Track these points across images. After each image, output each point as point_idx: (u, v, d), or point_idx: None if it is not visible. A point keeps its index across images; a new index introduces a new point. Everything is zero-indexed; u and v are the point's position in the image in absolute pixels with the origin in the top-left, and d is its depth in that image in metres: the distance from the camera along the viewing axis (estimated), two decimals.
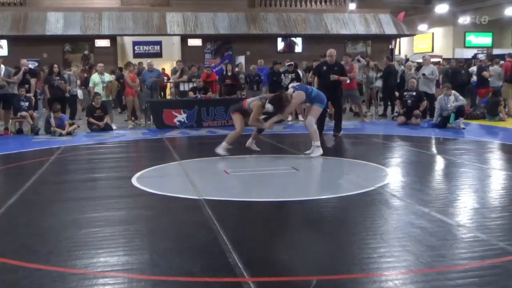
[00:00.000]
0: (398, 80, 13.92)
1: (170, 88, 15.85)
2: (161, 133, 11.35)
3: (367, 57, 16.81)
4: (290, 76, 13.19)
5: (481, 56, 18.57)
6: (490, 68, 14.57)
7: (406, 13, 27.51)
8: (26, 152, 9.15)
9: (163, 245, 3.94)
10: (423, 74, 12.89)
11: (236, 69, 15.76)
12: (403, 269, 3.37)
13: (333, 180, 6.32)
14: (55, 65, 12.63)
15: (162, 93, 15.66)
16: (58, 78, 12.36)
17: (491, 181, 6.32)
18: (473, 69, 15.04)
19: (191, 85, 13.72)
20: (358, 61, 14.87)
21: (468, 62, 18.70)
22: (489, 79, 13.97)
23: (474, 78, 14.57)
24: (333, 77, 9.88)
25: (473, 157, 7.89)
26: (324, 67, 10.18)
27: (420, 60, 15.59)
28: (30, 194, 5.76)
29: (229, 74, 14.86)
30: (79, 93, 14.33)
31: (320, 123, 9.74)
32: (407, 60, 19.84)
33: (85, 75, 15.24)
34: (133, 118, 13.18)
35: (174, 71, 15.22)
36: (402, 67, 14.87)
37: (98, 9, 21.10)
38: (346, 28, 22.59)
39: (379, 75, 14.35)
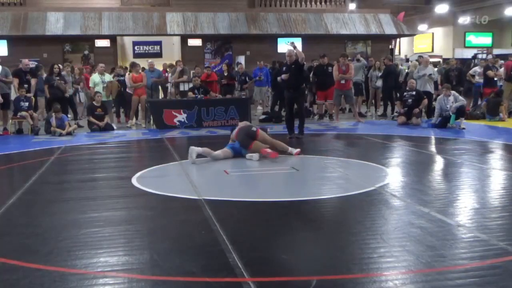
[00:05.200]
0: (402, 80, 13.93)
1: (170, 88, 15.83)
2: (161, 133, 11.35)
3: (370, 57, 16.80)
4: None
5: (489, 56, 18.52)
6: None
7: (406, 13, 27.51)
8: (26, 152, 9.14)
9: (163, 245, 3.94)
10: (430, 74, 12.86)
11: (236, 69, 15.79)
12: (403, 269, 3.37)
13: (333, 180, 6.32)
14: (56, 65, 12.62)
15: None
16: (58, 78, 12.36)
17: (491, 181, 6.32)
18: (476, 69, 15.02)
19: (191, 85, 13.73)
20: (358, 60, 14.87)
21: (467, 62, 18.72)
22: (495, 79, 13.98)
23: (477, 78, 14.58)
24: (285, 76, 9.83)
25: (473, 157, 7.90)
26: (284, 68, 10.12)
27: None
28: (30, 194, 5.76)
29: (225, 74, 14.94)
30: (82, 95, 14.32)
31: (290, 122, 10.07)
32: (407, 60, 19.84)
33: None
34: (135, 119, 13.18)
35: (173, 72, 15.23)
36: (405, 67, 14.88)
37: (98, 9, 21.10)
38: (346, 28, 22.59)
39: (379, 74, 14.36)
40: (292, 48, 9.79)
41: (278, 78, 10.26)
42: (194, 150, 7.42)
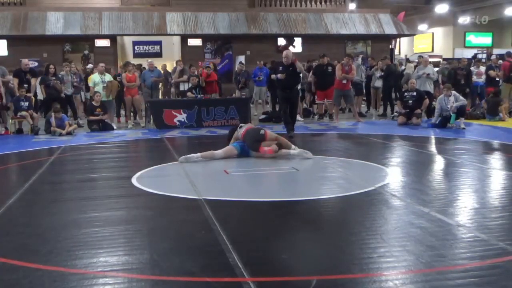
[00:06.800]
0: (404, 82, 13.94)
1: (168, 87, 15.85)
2: (161, 133, 11.35)
3: (370, 58, 16.80)
4: None
5: (492, 57, 18.54)
6: None
7: (406, 13, 27.52)
8: (26, 152, 9.14)
9: (163, 245, 3.94)
10: (428, 74, 12.87)
11: (236, 69, 15.83)
12: (403, 269, 3.37)
13: (333, 180, 6.32)
14: (51, 66, 12.65)
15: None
16: (54, 78, 12.36)
17: (491, 181, 6.32)
18: (472, 69, 15.03)
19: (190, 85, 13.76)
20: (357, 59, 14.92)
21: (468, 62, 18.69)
22: (497, 79, 13.99)
23: (474, 78, 14.59)
24: (281, 76, 9.86)
25: (473, 157, 7.89)
26: (280, 68, 10.15)
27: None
28: (30, 194, 5.75)
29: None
30: (82, 95, 14.33)
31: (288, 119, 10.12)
32: (407, 60, 19.83)
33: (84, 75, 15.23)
34: (133, 118, 13.19)
35: (173, 71, 15.24)
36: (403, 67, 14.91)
37: (98, 9, 21.12)
38: (346, 28, 22.60)
39: (378, 74, 14.36)
40: (289, 49, 9.90)
41: (273, 76, 10.32)
42: (184, 159, 7.45)
